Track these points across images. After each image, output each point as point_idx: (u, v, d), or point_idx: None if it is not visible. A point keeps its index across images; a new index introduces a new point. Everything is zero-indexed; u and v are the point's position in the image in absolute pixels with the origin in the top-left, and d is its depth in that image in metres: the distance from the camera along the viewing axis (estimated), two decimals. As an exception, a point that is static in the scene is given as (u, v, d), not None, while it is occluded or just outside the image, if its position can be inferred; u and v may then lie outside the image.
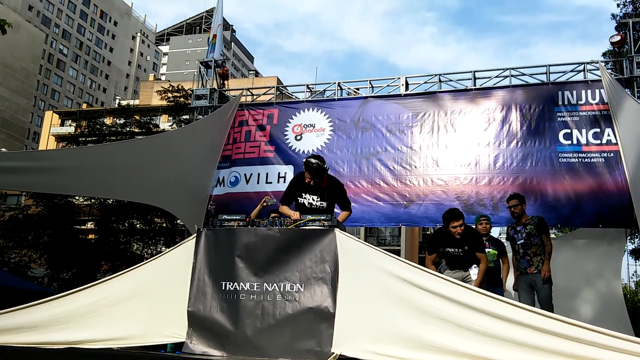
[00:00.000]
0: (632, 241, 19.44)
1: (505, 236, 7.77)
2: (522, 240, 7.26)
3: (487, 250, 7.69)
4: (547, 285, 7.05)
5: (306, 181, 5.97)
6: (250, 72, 71.71)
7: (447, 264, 6.92)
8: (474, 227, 7.41)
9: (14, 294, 11.77)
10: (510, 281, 7.80)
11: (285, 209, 6.03)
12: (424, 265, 6.12)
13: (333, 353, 4.66)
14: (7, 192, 27.89)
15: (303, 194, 6.03)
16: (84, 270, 20.45)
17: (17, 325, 5.50)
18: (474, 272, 6.82)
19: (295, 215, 5.67)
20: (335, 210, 6.26)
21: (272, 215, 6.85)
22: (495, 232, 8.30)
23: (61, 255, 20.74)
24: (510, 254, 7.94)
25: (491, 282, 7.26)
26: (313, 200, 6.00)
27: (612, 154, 8.57)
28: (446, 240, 6.72)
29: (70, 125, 48.02)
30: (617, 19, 16.99)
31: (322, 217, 5.39)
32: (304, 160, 6.00)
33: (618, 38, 9.01)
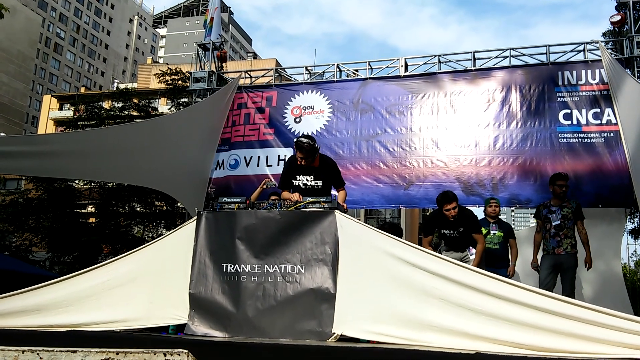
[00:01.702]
0: (632, 221, 19.52)
1: (534, 213, 7.78)
2: (558, 222, 7.26)
3: (492, 232, 7.77)
4: (573, 269, 7.14)
5: (298, 162, 5.98)
6: (249, 54, 71.43)
7: (445, 244, 6.98)
8: (469, 208, 7.45)
9: (16, 278, 11.82)
10: (520, 263, 7.83)
11: (285, 194, 6.05)
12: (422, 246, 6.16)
13: (334, 333, 4.69)
14: (7, 177, 27.90)
15: (297, 176, 6.05)
16: (85, 254, 20.54)
17: (19, 309, 5.52)
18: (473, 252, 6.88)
19: (295, 197, 5.69)
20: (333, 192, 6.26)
21: (272, 197, 6.87)
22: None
23: (62, 238, 20.82)
24: (518, 233, 8.02)
25: (496, 264, 7.32)
26: (307, 180, 6.01)
27: (612, 134, 8.56)
28: (442, 222, 6.80)
29: (68, 109, 47.97)
30: (618, -2, 16.87)
31: (322, 199, 5.39)
32: (295, 140, 6.01)
33: (618, 18, 8.95)
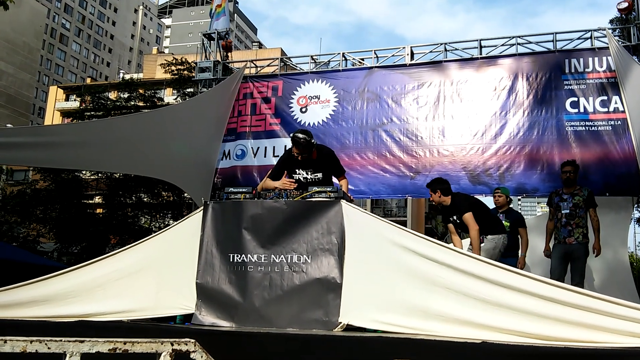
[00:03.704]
0: (639, 209, 19.42)
1: (547, 201, 7.76)
2: (568, 211, 7.24)
3: None
4: (584, 258, 7.12)
5: (295, 157, 5.92)
6: (254, 43, 71.22)
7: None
8: (462, 193, 7.47)
9: (24, 268, 11.89)
10: (528, 252, 7.81)
11: (268, 182, 5.99)
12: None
13: (340, 323, 4.70)
14: (14, 168, 28.03)
15: (297, 170, 6.00)
16: (92, 244, 20.67)
17: (28, 300, 5.55)
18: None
19: (286, 184, 5.72)
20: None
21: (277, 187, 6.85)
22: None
23: (70, 229, 20.94)
24: (525, 221, 8.01)
25: (502, 253, 7.30)
26: (307, 174, 5.98)
27: (619, 122, 8.50)
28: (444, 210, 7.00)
29: (75, 100, 48.12)
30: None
31: (329, 189, 5.39)
32: (291, 135, 5.97)
33: (625, 5, 8.86)
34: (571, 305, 3.93)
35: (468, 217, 6.55)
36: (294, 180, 5.89)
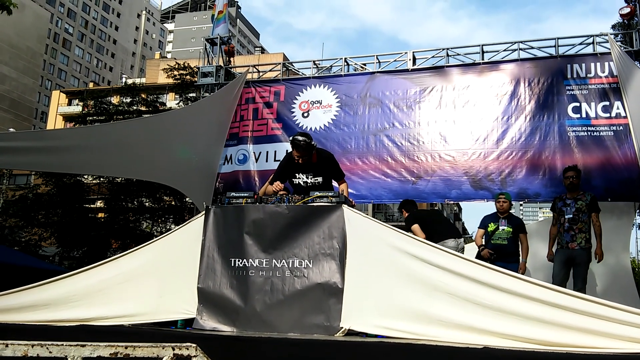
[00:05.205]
0: (641, 214, 19.36)
1: (551, 206, 7.76)
2: (571, 215, 7.24)
3: (501, 228, 7.76)
4: (586, 263, 7.11)
5: (295, 160, 5.91)
6: (256, 48, 71.27)
7: None
8: (416, 211, 8.20)
9: (26, 272, 11.89)
10: (529, 258, 7.80)
11: (269, 187, 6.02)
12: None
13: (342, 328, 4.70)
14: (16, 172, 28.07)
15: (297, 174, 6.00)
16: (94, 249, 20.67)
17: (29, 304, 5.56)
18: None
19: (276, 188, 5.80)
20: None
21: (280, 192, 6.86)
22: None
23: (71, 234, 20.95)
24: (525, 225, 8.01)
25: (505, 259, 7.31)
26: (308, 178, 5.97)
27: (621, 127, 8.50)
28: None
29: (77, 104, 48.20)
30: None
31: (330, 194, 5.39)
32: (291, 138, 5.96)
33: (628, 10, 8.86)
34: (573, 311, 3.93)
35: (414, 229, 7.47)
36: (281, 186, 5.90)
